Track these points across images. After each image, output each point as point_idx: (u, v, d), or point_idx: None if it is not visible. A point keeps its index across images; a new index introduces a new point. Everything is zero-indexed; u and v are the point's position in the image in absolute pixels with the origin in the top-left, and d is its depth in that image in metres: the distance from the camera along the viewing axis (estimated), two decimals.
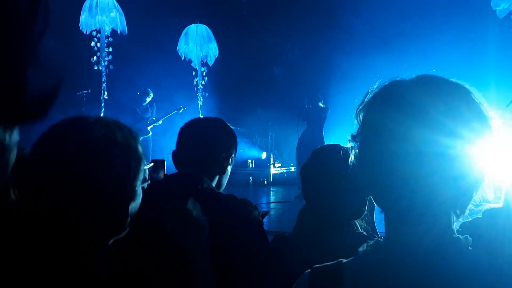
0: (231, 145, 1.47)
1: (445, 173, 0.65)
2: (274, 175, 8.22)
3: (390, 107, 0.69)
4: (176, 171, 1.46)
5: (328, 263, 0.75)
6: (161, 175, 1.89)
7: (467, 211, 0.69)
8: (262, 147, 8.82)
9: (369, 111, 0.71)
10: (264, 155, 8.71)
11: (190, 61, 8.33)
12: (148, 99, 7.77)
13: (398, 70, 0.75)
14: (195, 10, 8.20)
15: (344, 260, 0.74)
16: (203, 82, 8.54)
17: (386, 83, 0.72)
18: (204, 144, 1.41)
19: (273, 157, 8.56)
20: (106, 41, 7.55)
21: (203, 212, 1.13)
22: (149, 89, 7.87)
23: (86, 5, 7.22)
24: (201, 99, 8.62)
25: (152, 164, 1.97)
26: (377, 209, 0.79)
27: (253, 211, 1.33)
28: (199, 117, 1.57)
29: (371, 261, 0.70)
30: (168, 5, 7.76)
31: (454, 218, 0.69)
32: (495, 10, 6.53)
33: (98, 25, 7.24)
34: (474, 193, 0.68)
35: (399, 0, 7.70)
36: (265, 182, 8.06)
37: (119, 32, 7.32)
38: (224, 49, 8.32)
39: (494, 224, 1.10)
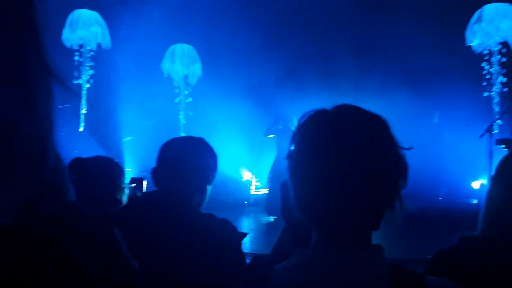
0: (212, 164, 1.47)
1: (360, 192, 0.73)
2: (255, 196, 8.16)
3: (315, 133, 0.78)
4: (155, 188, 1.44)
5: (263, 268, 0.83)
6: (139, 193, 1.86)
7: (380, 225, 0.78)
8: (244, 166, 8.77)
9: (299, 135, 0.80)
10: (246, 175, 8.67)
11: (172, 79, 8.33)
12: None
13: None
14: (180, 30, 8.27)
15: (276, 266, 0.81)
16: (187, 101, 8.54)
17: (315, 111, 0.80)
18: (185, 162, 1.40)
19: (255, 178, 8.51)
20: (88, 55, 7.50)
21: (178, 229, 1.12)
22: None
23: (69, 19, 7.19)
24: (183, 118, 8.59)
25: (134, 184, 1.95)
26: None
27: (231, 231, 1.32)
28: (181, 136, 1.56)
29: (293, 267, 0.78)
30: (152, 23, 7.80)
31: (368, 229, 0.77)
32: (470, 45, 6.85)
33: (80, 39, 7.20)
34: (385, 210, 0.76)
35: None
36: (246, 203, 7.99)
37: (98, 45, 7.29)
38: (208, 69, 8.38)
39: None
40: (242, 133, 8.25)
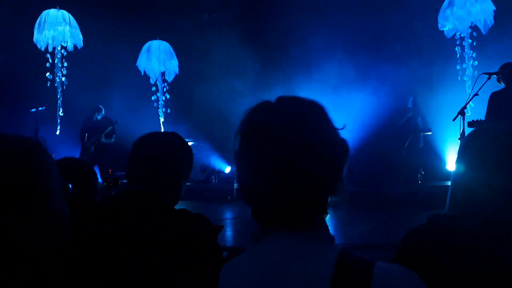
0: (185, 159, 1.46)
1: (298, 177, 0.73)
2: (237, 190, 8.16)
3: (254, 121, 0.79)
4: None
5: None
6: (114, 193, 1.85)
7: (326, 209, 0.78)
8: (226, 161, 8.76)
9: (242, 127, 0.80)
10: (228, 170, 8.66)
11: (148, 76, 8.23)
12: (99, 115, 7.57)
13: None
14: (154, 26, 8.16)
15: (230, 260, 0.82)
16: (164, 98, 8.46)
17: (258, 103, 0.82)
18: (157, 158, 1.39)
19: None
20: (60, 56, 7.35)
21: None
22: (101, 106, 7.64)
23: (38, 20, 7.02)
24: (163, 115, 8.51)
25: (105, 184, 1.92)
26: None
27: (206, 225, 1.33)
28: (154, 132, 1.54)
29: (243, 260, 0.79)
30: (126, 20, 7.68)
31: (315, 216, 0.77)
32: (443, 30, 6.98)
33: (50, 39, 7.03)
34: (328, 195, 0.77)
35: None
36: (229, 198, 8.00)
37: (69, 46, 7.14)
38: (184, 64, 8.31)
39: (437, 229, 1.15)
40: (223, 127, 8.23)
